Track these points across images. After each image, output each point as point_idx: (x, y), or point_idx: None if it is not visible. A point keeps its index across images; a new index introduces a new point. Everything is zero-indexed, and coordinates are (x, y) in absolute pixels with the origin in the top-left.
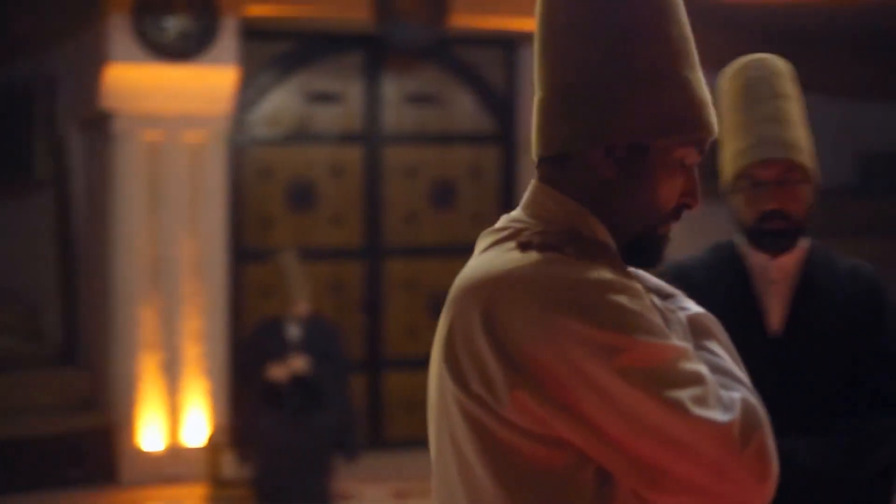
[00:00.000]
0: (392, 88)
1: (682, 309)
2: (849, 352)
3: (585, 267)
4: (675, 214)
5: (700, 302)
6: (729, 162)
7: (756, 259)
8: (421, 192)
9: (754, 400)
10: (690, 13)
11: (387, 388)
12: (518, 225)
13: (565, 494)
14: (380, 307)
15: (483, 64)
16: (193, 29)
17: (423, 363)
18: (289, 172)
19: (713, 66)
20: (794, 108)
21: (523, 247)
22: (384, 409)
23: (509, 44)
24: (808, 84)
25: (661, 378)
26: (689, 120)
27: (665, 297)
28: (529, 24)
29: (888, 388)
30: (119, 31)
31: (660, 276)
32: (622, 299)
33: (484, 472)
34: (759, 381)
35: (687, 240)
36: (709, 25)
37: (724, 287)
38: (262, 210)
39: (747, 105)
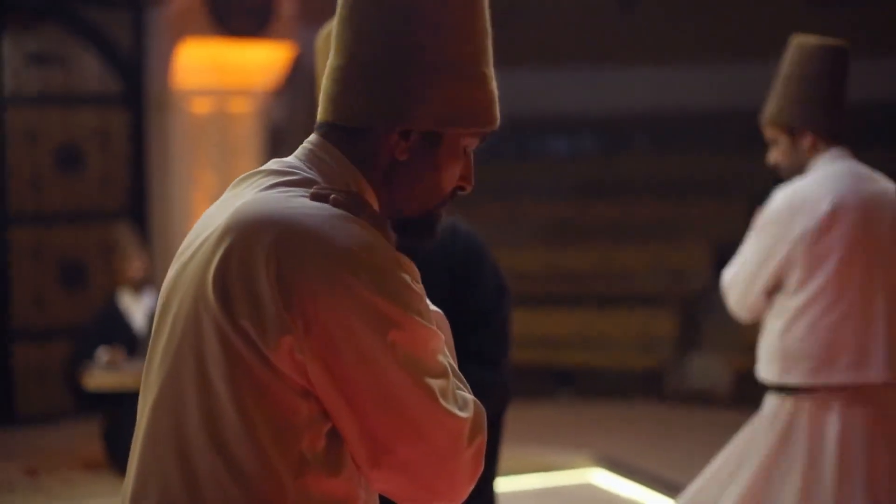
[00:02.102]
0: (12, 48)
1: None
2: (448, 309)
3: (378, 237)
4: (452, 196)
5: None
6: None
7: None
8: (45, 156)
9: (481, 406)
10: None
11: (16, 360)
12: (304, 174)
13: (299, 443)
14: (6, 276)
15: (108, 25)
16: None
17: (53, 334)
18: None
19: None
20: None
21: (316, 198)
22: (14, 382)
23: (136, 4)
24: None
25: (423, 362)
26: (483, 114)
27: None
28: None
29: (484, 343)
30: None
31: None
32: (407, 278)
33: (229, 401)
34: None
35: None
36: None
37: None
38: None
39: None
